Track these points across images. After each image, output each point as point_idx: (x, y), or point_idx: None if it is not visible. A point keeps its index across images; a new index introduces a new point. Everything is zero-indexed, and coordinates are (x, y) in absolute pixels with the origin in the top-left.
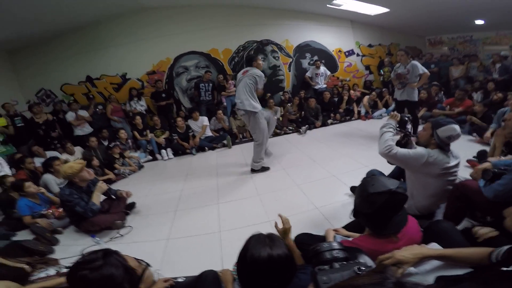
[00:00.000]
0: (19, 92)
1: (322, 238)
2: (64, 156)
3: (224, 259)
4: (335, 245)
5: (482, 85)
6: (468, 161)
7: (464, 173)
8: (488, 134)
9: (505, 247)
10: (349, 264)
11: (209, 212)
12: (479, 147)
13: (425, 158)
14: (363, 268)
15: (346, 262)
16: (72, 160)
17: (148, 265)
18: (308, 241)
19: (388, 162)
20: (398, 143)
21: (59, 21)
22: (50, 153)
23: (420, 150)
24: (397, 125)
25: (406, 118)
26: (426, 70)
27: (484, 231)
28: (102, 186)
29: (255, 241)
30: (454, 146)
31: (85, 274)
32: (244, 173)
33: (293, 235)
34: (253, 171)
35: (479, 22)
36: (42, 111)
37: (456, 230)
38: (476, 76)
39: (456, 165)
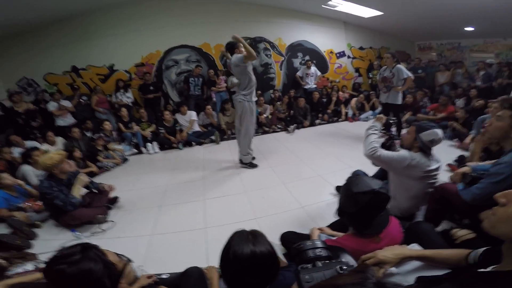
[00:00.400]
0: (0, 81)
1: (307, 237)
2: (44, 147)
3: (210, 256)
4: (318, 243)
5: (465, 92)
6: (448, 165)
7: (444, 177)
8: (467, 140)
9: (481, 249)
10: (332, 263)
11: (195, 208)
12: (459, 152)
13: (408, 160)
14: (345, 268)
15: (329, 261)
16: (53, 151)
17: (129, 260)
18: (293, 240)
19: (373, 163)
20: (383, 145)
21: (48, 9)
22: (29, 143)
23: (403, 153)
24: (383, 128)
25: (391, 121)
26: (410, 74)
27: (462, 233)
28: (83, 178)
29: (238, 237)
30: (435, 150)
31: (63, 269)
32: (231, 169)
33: (278, 233)
34: (242, 162)
35: (469, 28)
36: (23, 100)
37: (435, 232)
38: (460, 82)
39: (437, 169)
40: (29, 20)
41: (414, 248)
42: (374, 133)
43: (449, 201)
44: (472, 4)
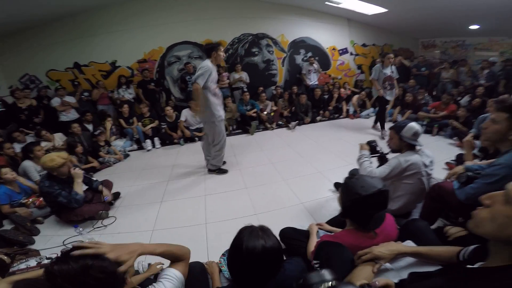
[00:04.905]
0: (2, 78)
1: (306, 233)
2: (43, 144)
3: (210, 251)
4: (327, 276)
5: (467, 90)
6: (447, 163)
7: (442, 175)
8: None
9: (472, 247)
10: None
11: (196, 204)
12: (459, 151)
13: (402, 164)
14: None
15: None
16: (56, 153)
17: None
18: (292, 235)
19: None
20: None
21: (50, 6)
22: (30, 139)
23: (392, 161)
24: (370, 153)
25: (374, 144)
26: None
27: (454, 231)
28: (77, 172)
29: (249, 233)
30: (435, 148)
31: (64, 268)
32: (232, 165)
33: (278, 229)
34: (210, 171)
35: (474, 27)
36: (26, 96)
37: (429, 229)
38: (463, 80)
39: (431, 164)
40: (31, 17)
41: (409, 244)
42: (365, 160)
43: (445, 200)
44: (478, 2)
